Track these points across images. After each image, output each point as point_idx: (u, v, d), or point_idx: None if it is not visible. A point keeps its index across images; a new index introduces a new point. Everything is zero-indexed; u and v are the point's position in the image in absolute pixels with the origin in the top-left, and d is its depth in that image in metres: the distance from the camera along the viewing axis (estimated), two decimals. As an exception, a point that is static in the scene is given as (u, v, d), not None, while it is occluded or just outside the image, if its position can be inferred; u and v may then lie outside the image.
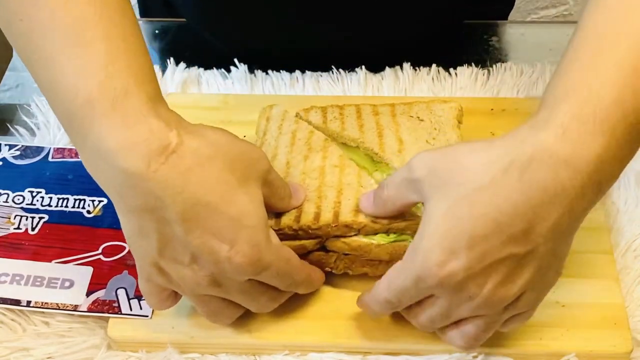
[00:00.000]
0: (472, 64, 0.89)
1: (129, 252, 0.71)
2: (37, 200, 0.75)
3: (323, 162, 0.70)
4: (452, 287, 0.55)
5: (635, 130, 0.55)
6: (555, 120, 0.54)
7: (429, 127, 0.74)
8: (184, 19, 0.97)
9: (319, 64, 0.88)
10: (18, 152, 0.79)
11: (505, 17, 1.04)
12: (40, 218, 0.74)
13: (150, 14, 1.05)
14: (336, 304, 0.68)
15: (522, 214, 0.53)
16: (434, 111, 0.75)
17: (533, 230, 0.54)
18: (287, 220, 0.65)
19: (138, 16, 1.07)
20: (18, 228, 0.73)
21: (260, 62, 0.89)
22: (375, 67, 0.89)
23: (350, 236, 0.65)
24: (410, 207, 0.62)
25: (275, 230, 0.64)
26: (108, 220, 0.73)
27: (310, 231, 0.65)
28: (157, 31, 0.98)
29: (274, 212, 0.65)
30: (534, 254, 0.55)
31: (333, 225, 0.65)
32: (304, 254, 0.67)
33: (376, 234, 0.65)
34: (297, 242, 0.66)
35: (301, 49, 0.87)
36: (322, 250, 0.67)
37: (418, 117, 0.75)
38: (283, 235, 0.65)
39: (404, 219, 0.63)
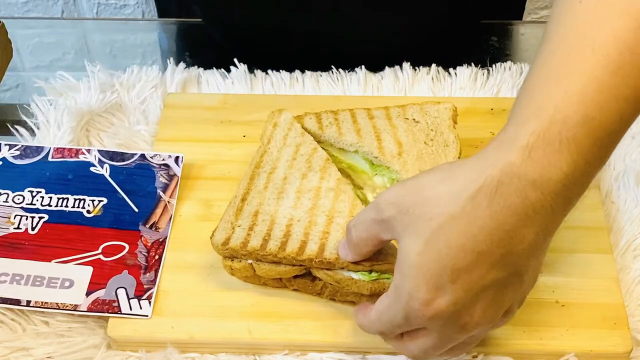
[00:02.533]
0: (472, 64, 0.89)
1: (128, 251, 0.71)
2: (37, 200, 0.75)
3: (320, 184, 0.70)
4: (444, 321, 0.55)
5: (603, 145, 0.55)
6: (521, 141, 0.53)
7: (425, 129, 0.74)
8: (199, 19, 0.97)
9: (319, 64, 0.88)
10: (18, 152, 0.79)
11: (520, 17, 1.04)
12: (40, 218, 0.74)
13: (165, 14, 1.06)
14: (336, 304, 0.68)
15: (498, 240, 0.53)
16: (428, 112, 0.75)
17: (511, 253, 0.53)
18: (272, 247, 0.65)
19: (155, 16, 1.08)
20: (18, 228, 0.73)
21: (260, 61, 0.89)
22: (375, 67, 0.89)
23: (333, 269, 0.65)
24: (385, 244, 0.61)
25: (259, 254, 0.65)
26: (108, 220, 0.73)
27: (294, 261, 0.65)
28: (160, 31, 0.98)
29: (260, 237, 0.66)
30: (515, 274, 0.55)
31: (317, 260, 0.65)
32: (289, 279, 0.67)
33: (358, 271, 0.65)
34: (281, 268, 0.66)
35: (300, 39, 0.87)
36: (309, 276, 0.67)
37: (414, 119, 0.75)
38: (267, 260, 0.66)
39: (385, 262, 0.63)
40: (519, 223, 0.53)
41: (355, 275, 0.64)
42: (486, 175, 0.53)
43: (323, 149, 0.74)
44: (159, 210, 0.74)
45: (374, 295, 0.65)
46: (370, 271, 0.64)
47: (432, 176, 0.56)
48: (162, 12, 1.07)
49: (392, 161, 0.71)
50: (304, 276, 0.67)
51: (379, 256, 0.63)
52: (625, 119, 0.55)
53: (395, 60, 0.89)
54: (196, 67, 0.89)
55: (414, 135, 0.73)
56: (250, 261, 0.66)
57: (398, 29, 0.91)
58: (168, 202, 0.75)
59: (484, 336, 0.61)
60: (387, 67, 0.88)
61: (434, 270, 0.53)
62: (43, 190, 0.76)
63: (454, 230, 0.53)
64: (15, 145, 0.80)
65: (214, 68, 0.89)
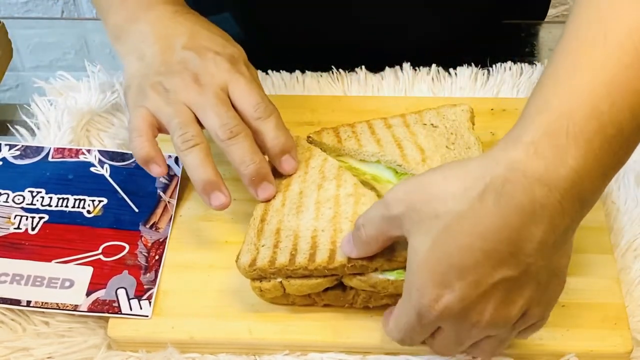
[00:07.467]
0: (472, 64, 0.89)
1: (128, 252, 0.71)
2: (37, 200, 0.75)
3: (337, 191, 0.69)
4: (454, 318, 0.55)
5: (616, 142, 0.53)
6: (527, 137, 0.52)
7: (445, 133, 0.74)
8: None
9: (319, 64, 0.88)
10: (18, 152, 0.79)
11: (542, 17, 1.04)
12: (40, 218, 0.74)
13: None
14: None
15: (506, 238, 0.52)
16: (446, 116, 0.75)
17: (520, 252, 0.53)
18: (301, 260, 0.64)
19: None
20: (18, 228, 0.73)
21: (260, 59, 0.89)
22: (375, 67, 0.88)
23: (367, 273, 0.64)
24: (394, 240, 0.60)
25: (288, 270, 0.64)
26: (108, 220, 0.73)
27: (325, 271, 0.64)
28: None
29: (287, 252, 0.65)
30: (527, 273, 0.54)
31: (349, 265, 0.63)
32: (318, 293, 0.66)
33: (394, 269, 0.64)
34: (312, 281, 0.64)
35: (303, 37, 0.87)
36: (339, 287, 0.66)
37: (432, 124, 0.75)
38: (297, 275, 0.64)
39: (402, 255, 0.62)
40: (525, 220, 0.52)
41: (391, 276, 0.63)
42: (493, 173, 0.52)
43: (343, 161, 0.73)
44: (159, 211, 0.74)
45: None
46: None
47: (440, 173, 0.55)
48: None
49: (417, 168, 0.70)
50: (335, 288, 0.66)
51: (393, 252, 0.62)
52: (638, 115, 0.53)
53: (395, 60, 0.88)
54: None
55: (434, 140, 0.73)
56: (279, 279, 0.65)
57: (425, 31, 0.91)
58: (168, 202, 0.75)
59: (510, 337, 0.59)
60: (387, 67, 0.88)
61: (441, 267, 0.53)
62: (43, 191, 0.76)
63: (461, 228, 0.52)
64: (15, 145, 0.80)
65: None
